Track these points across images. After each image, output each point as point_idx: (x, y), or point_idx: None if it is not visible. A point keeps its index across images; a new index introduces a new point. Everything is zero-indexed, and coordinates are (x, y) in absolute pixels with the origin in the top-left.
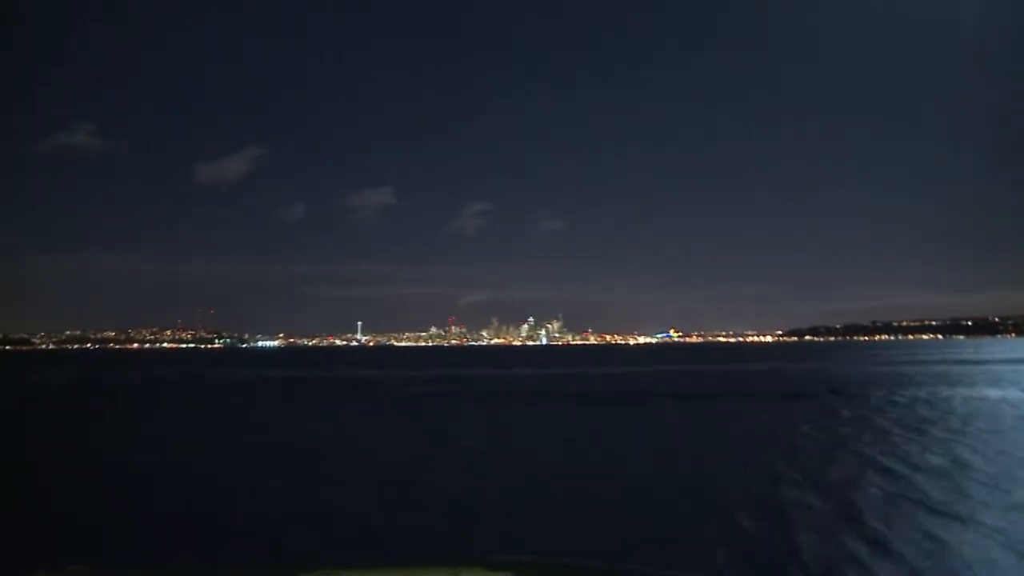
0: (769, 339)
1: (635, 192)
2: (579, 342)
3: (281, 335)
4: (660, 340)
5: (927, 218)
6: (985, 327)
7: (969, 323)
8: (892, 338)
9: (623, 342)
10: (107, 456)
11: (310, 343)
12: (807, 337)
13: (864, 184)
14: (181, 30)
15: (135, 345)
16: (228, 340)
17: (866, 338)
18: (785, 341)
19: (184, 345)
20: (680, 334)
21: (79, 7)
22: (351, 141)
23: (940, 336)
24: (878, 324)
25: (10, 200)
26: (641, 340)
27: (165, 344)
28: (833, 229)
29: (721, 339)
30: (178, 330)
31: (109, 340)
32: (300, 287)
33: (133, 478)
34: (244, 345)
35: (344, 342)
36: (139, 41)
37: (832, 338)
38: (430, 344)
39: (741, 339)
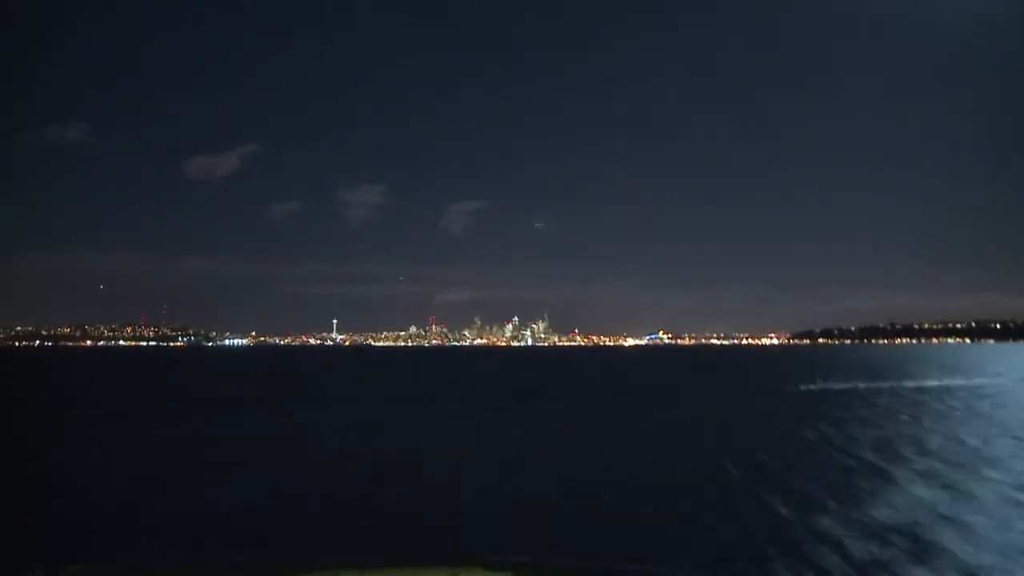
0: (766, 342)
1: (628, 192)
2: (566, 343)
3: (252, 333)
4: (650, 342)
5: (933, 219)
6: (1016, 331)
7: (997, 326)
8: (914, 342)
9: (612, 343)
10: (107, 455)
11: (282, 342)
12: (820, 340)
13: (864, 184)
14: (181, 29)
15: (88, 343)
16: (192, 338)
17: (885, 341)
18: (797, 344)
19: (143, 343)
20: (670, 336)
21: (76, 5)
22: (346, 139)
23: (967, 340)
24: (897, 327)
25: (9, 199)
26: (631, 342)
27: (121, 342)
28: (833, 229)
29: (714, 342)
30: (140, 327)
31: (62, 337)
32: (283, 285)
33: (133, 478)
34: (209, 344)
35: (319, 341)
36: (138, 40)
37: (847, 341)
38: (409, 344)
39: (735, 342)
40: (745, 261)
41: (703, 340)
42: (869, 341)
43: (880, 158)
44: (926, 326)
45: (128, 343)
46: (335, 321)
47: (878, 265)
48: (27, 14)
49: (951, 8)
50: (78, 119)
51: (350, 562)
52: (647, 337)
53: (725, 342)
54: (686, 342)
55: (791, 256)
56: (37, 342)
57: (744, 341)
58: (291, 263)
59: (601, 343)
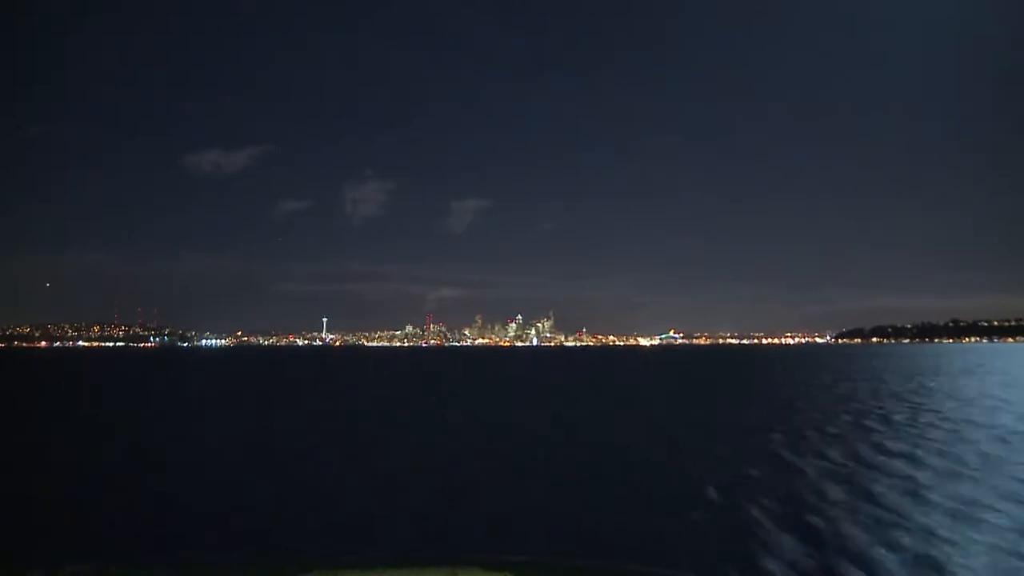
0: (788, 341)
1: (633, 192)
2: (573, 343)
3: (239, 332)
4: (664, 341)
5: (937, 219)
6: None
7: None
8: (984, 341)
9: (623, 343)
10: (107, 454)
11: (265, 342)
12: (873, 339)
13: (868, 183)
14: (190, 28)
15: (43, 344)
16: (165, 338)
17: (949, 340)
18: (846, 344)
19: (109, 344)
20: (682, 335)
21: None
22: (355, 138)
23: None
24: (961, 324)
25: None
26: (644, 342)
27: (82, 343)
28: (842, 229)
29: (731, 341)
30: (109, 327)
31: (20, 337)
32: (275, 284)
33: (133, 476)
34: (185, 344)
35: (307, 341)
36: (140, 37)
37: (905, 340)
38: (405, 344)
39: (754, 341)
40: (752, 261)
41: (719, 340)
42: (931, 340)
43: (904, 159)
44: (995, 323)
45: (91, 344)
46: (325, 320)
47: (880, 266)
48: (28, 9)
49: (952, 8)
50: (77, 116)
51: (350, 562)
52: (659, 337)
53: (744, 341)
54: (702, 341)
55: (798, 256)
56: None
57: (763, 341)
58: (292, 262)
59: (611, 343)
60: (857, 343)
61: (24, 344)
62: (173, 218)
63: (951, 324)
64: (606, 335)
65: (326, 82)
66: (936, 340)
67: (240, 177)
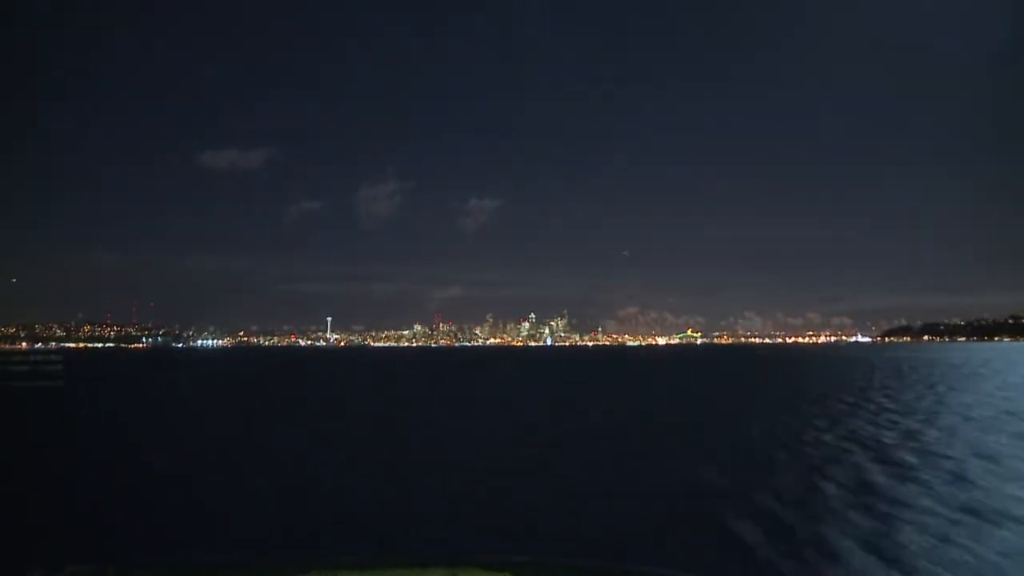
0: (820, 340)
1: (648, 192)
2: (588, 343)
3: (240, 332)
4: (683, 341)
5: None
6: None
7: None
8: None
9: (639, 343)
10: (107, 455)
11: (266, 343)
12: (924, 337)
13: (880, 184)
14: (203, 30)
15: (24, 345)
16: (159, 338)
17: (1008, 339)
18: (893, 342)
19: (98, 345)
20: (701, 334)
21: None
22: (367, 138)
23: None
24: (1022, 321)
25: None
26: (661, 342)
27: (68, 344)
28: (858, 229)
29: (754, 341)
30: (100, 327)
31: (4, 338)
32: (286, 284)
33: (132, 478)
34: (180, 344)
35: (309, 342)
36: (150, 35)
37: (960, 339)
38: (413, 344)
39: (778, 341)
40: (773, 259)
41: (741, 339)
42: (988, 339)
43: (900, 152)
44: None
45: (78, 344)
46: (329, 319)
47: (891, 265)
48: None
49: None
50: (79, 115)
51: (349, 562)
52: (677, 337)
53: (767, 340)
54: (723, 341)
55: (823, 251)
56: None
57: (788, 339)
58: (301, 262)
59: (626, 342)
60: (906, 341)
61: (6, 346)
62: (179, 218)
63: (1011, 321)
64: (621, 334)
65: (339, 83)
66: (995, 339)
67: (252, 177)
